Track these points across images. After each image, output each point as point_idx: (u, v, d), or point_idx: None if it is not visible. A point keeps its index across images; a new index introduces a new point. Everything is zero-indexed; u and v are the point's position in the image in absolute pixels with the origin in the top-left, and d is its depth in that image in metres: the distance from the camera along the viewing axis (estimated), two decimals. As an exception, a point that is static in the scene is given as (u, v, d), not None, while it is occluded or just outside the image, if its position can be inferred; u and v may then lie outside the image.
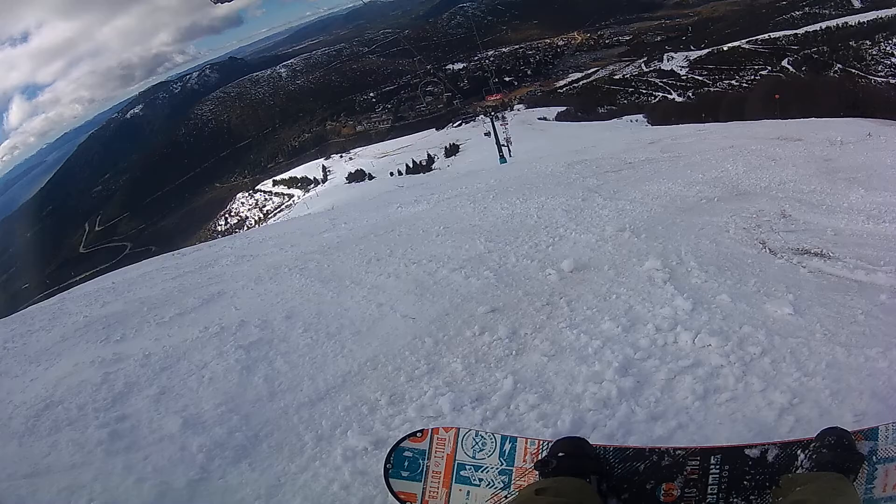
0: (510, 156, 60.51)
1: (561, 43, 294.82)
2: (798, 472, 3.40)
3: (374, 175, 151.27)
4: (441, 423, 4.72)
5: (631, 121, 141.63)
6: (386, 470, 3.99)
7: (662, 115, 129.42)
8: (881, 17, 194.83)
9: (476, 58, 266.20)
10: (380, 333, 7.04)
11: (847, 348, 4.97)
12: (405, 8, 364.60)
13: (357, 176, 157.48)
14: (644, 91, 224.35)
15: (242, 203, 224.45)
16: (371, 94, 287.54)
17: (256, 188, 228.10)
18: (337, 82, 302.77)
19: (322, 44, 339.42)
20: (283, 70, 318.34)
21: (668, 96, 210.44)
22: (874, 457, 3.43)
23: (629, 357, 5.41)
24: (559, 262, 8.48)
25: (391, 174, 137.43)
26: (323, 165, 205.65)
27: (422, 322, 7.14)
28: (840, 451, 3.33)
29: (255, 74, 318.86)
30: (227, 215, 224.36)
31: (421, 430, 4.10)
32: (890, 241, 7.80)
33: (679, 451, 3.67)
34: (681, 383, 4.91)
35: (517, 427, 4.71)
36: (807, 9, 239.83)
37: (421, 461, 3.97)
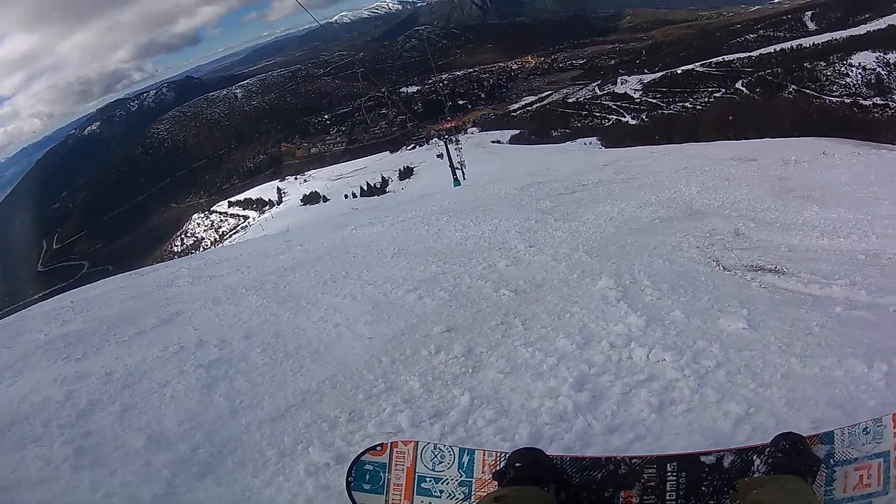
0: (464, 179, 60.59)
1: (515, 67, 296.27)
2: (755, 476, 3.47)
3: (328, 197, 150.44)
4: (401, 438, 4.78)
5: (584, 143, 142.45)
6: (348, 483, 4.03)
7: (616, 137, 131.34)
8: (835, 39, 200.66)
9: (430, 81, 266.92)
10: (337, 353, 7.15)
11: (802, 359, 5.07)
12: (361, 30, 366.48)
13: (312, 198, 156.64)
14: (598, 114, 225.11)
15: (198, 224, 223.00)
16: (326, 117, 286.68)
17: (212, 209, 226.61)
18: (292, 104, 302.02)
19: (278, 65, 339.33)
20: (238, 90, 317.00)
21: (622, 119, 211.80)
22: (832, 460, 3.52)
23: (584, 373, 5.52)
24: (513, 283, 8.67)
25: (346, 196, 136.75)
26: (278, 187, 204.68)
27: (378, 341, 7.26)
28: (795, 455, 3.41)
29: (211, 94, 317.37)
30: (183, 236, 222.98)
31: (380, 444, 4.14)
32: (844, 256, 7.95)
33: (635, 460, 3.73)
34: (636, 397, 5.00)
35: (476, 441, 4.79)
36: (761, 32, 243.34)
37: (382, 474, 4.02)
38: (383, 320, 7.99)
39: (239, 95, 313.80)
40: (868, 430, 3.56)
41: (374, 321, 8.00)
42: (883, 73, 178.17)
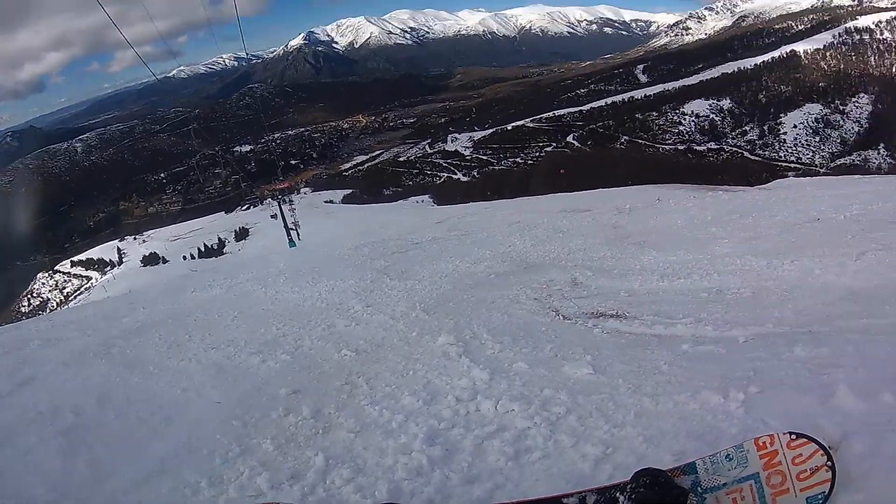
0: (299, 239, 60.88)
1: (346, 126, 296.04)
2: None
3: (167, 259, 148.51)
4: (262, 500, 4.90)
5: (417, 202, 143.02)
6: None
7: (448, 194, 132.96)
8: (667, 90, 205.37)
9: (263, 140, 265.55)
10: (190, 418, 7.15)
11: (654, 397, 5.30)
12: (198, 86, 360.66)
13: (151, 259, 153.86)
14: (429, 172, 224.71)
15: (43, 283, 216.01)
16: (162, 175, 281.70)
17: (55, 269, 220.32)
18: (129, 161, 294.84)
19: (117, 119, 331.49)
20: (79, 144, 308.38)
21: (453, 176, 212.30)
22: (699, 488, 3.71)
23: (434, 428, 5.66)
24: (354, 343, 8.85)
25: (184, 258, 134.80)
26: (118, 247, 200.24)
27: (227, 406, 7.30)
28: (658, 489, 3.55)
29: (52, 147, 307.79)
30: (29, 296, 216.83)
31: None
32: (685, 296, 8.30)
33: None
34: (490, 447, 5.13)
35: (337, 500, 4.88)
36: (592, 86, 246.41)
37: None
38: (229, 384, 8.07)
39: (79, 149, 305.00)
40: (731, 456, 3.78)
41: (221, 385, 8.08)
42: (716, 118, 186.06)
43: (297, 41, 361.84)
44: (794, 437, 3.74)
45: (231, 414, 6.95)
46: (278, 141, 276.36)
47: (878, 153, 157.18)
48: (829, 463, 3.60)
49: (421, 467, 4.99)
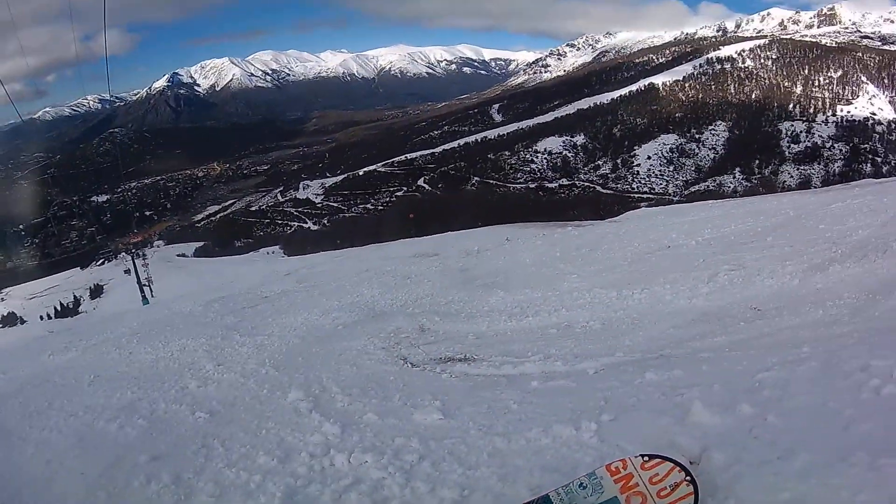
0: (152, 296, 60.48)
1: (200, 174, 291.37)
2: None
3: (25, 318, 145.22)
4: None
5: (268, 252, 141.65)
6: None
7: (298, 244, 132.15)
8: (521, 128, 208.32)
9: (119, 189, 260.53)
10: (56, 491, 6.97)
11: (506, 436, 5.41)
12: (62, 129, 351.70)
13: (10, 319, 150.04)
14: (280, 221, 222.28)
15: None
16: (21, 227, 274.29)
17: None
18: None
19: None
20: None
21: (304, 225, 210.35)
22: (558, 518, 3.69)
23: (291, 486, 5.67)
24: (207, 404, 8.84)
25: (41, 318, 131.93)
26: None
27: (91, 476, 7.11)
28: None
29: None
30: None
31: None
32: (534, 334, 8.49)
33: None
34: (347, 501, 5.15)
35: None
36: (446, 128, 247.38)
37: None
38: (91, 453, 7.87)
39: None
40: (584, 484, 3.91)
41: (83, 454, 7.87)
42: (570, 154, 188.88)
43: (161, 83, 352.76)
44: (646, 458, 3.90)
45: (96, 484, 6.79)
46: (134, 191, 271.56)
47: (734, 177, 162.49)
48: (687, 478, 3.76)
49: (283, 527, 4.85)
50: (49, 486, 7.11)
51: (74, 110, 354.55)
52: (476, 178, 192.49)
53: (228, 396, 9.00)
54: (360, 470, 5.56)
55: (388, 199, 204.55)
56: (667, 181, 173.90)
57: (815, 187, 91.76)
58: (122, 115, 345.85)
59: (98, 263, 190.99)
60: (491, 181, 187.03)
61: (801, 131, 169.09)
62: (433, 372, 7.82)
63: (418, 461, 5.44)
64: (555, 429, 5.29)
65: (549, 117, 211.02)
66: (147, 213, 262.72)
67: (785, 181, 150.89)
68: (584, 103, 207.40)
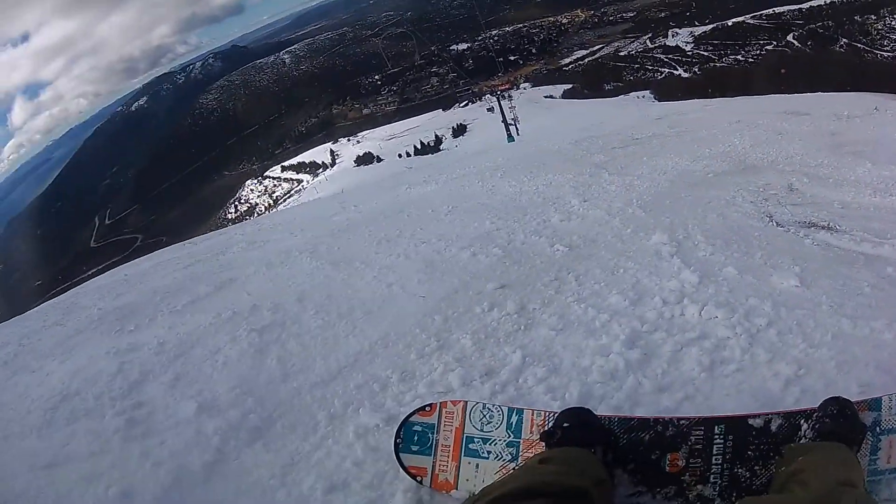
0: (517, 134, 60.72)
1: (565, 21, 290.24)
2: (801, 441, 3.46)
3: (382, 157, 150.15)
4: (451, 398, 4.68)
5: (638, 97, 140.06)
6: (396, 445, 4.06)
7: (669, 90, 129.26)
8: None
9: (480, 38, 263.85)
10: (390, 312, 7.09)
11: (853, 320, 5.00)
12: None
13: (365, 159, 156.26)
14: (650, 67, 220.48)
15: (251, 190, 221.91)
16: (376, 77, 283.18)
17: (265, 175, 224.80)
18: (341, 66, 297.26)
19: (324, 28, 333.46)
20: (286, 56, 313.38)
21: (675, 72, 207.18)
22: (878, 428, 3.48)
23: (636, 330, 5.45)
24: (567, 238, 8.61)
25: (399, 156, 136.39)
26: (331, 149, 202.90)
27: (431, 300, 7.20)
28: (843, 421, 3.37)
29: (258, 62, 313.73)
30: (236, 203, 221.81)
31: (430, 405, 4.15)
32: (896, 215, 7.81)
33: (683, 422, 3.70)
34: (687, 355, 4.92)
35: (526, 400, 4.75)
36: None
37: (430, 435, 4.04)
38: (437, 279, 7.97)
39: (287, 61, 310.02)
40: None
41: (428, 280, 7.99)
42: None
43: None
44: None
45: (434, 308, 6.93)
46: (496, 38, 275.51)
47: None
48: None
49: (616, 371, 4.87)
50: (384, 305, 7.34)
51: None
52: (844, 41, 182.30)
53: (591, 232, 8.85)
54: (708, 325, 5.35)
55: (758, 52, 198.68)
56: None
57: None
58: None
59: (461, 105, 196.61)
60: (858, 45, 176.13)
61: None
62: (797, 235, 7.37)
63: (766, 327, 5.16)
64: (899, 325, 4.94)
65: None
66: (511, 58, 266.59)
67: None
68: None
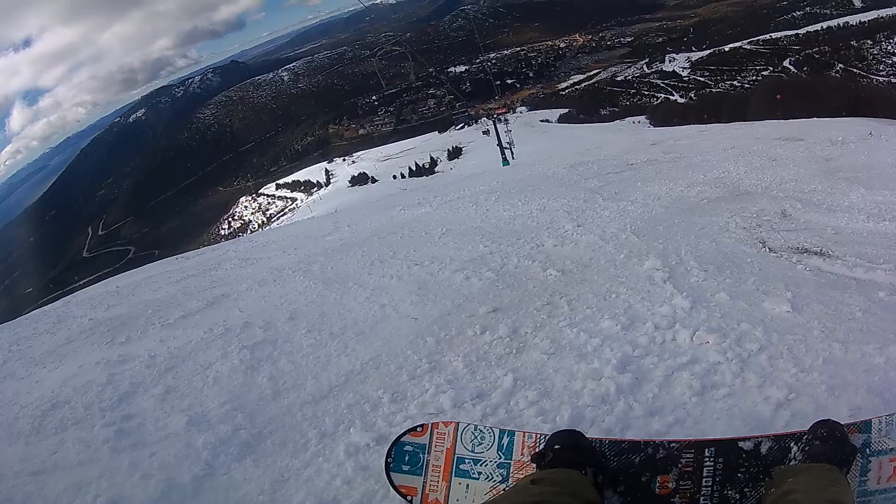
0: (513, 158, 60.58)
1: (562, 45, 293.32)
2: (791, 463, 3.44)
3: (377, 178, 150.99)
4: (442, 419, 4.65)
5: (633, 122, 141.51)
6: (387, 464, 4.04)
7: (664, 116, 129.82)
8: (882, 17, 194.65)
9: (478, 60, 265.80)
10: (382, 333, 7.09)
11: (844, 345, 5.03)
12: (406, 11, 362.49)
13: (360, 179, 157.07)
14: (646, 92, 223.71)
15: (245, 207, 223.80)
16: (373, 97, 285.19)
17: (259, 192, 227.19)
18: (339, 86, 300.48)
19: (324, 47, 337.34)
20: (285, 74, 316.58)
21: (671, 97, 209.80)
22: (867, 449, 3.47)
23: (628, 354, 5.46)
24: (560, 263, 8.59)
25: (394, 177, 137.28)
26: (326, 169, 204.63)
27: (424, 322, 7.19)
28: (832, 443, 3.36)
29: (257, 78, 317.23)
30: (230, 219, 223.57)
31: (421, 425, 4.13)
32: (889, 240, 7.85)
33: (674, 444, 3.70)
34: (678, 380, 4.95)
35: (517, 423, 4.76)
36: (808, 9, 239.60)
37: (421, 455, 4.02)
38: (429, 300, 7.96)
39: (285, 78, 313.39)
40: (910, 419, 3.53)
41: (420, 301, 7.98)
42: None
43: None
44: None
45: (426, 330, 6.93)
46: (493, 61, 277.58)
47: None
48: None
49: (607, 395, 4.88)
50: (376, 326, 7.35)
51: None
52: (840, 66, 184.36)
53: (584, 257, 8.85)
54: (700, 350, 5.37)
55: (754, 77, 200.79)
56: None
57: None
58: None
59: (457, 127, 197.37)
60: (854, 70, 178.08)
61: None
62: (789, 261, 7.39)
63: (757, 352, 5.18)
64: (890, 349, 4.88)
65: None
66: (508, 81, 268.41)
67: None
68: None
